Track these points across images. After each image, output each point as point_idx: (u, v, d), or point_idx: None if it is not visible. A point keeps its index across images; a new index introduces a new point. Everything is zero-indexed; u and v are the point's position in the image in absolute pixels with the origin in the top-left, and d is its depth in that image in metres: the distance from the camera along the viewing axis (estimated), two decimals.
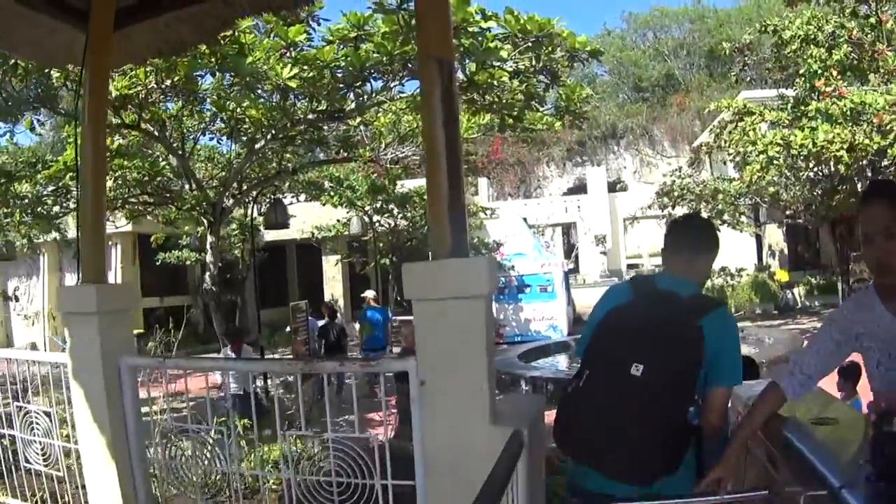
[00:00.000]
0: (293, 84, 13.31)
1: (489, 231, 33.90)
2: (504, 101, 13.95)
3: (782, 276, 35.79)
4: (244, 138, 18.44)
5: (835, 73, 21.26)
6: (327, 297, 34.66)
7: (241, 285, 31.33)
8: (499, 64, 12.89)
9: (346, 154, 20.54)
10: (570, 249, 51.00)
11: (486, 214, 33.18)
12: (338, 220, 31.06)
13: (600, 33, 78.23)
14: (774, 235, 37.32)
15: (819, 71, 22.27)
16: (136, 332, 20.88)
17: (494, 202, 44.76)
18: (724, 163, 30.47)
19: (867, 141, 20.29)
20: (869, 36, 22.64)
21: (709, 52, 71.94)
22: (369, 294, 22.52)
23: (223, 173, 21.02)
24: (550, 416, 4.23)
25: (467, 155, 20.03)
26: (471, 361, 4.13)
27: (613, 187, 56.70)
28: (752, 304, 34.16)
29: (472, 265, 4.26)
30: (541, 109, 15.50)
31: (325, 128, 19.12)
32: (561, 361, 23.54)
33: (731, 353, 3.98)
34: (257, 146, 17.95)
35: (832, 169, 24.21)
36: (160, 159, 20.50)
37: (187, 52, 10.64)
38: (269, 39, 13.95)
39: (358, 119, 18.09)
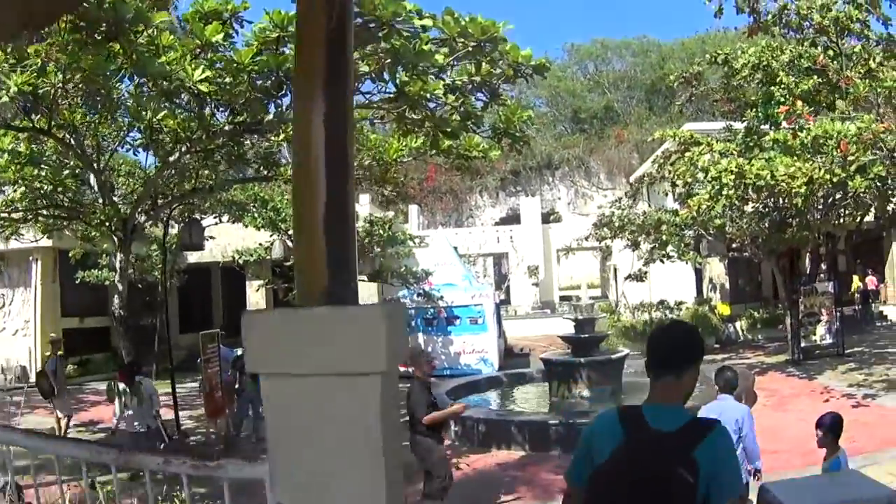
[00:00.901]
0: (204, 88, 11.77)
1: (418, 260, 32.63)
2: (438, 115, 12.54)
3: (724, 309, 35.07)
4: (161, 151, 16.95)
5: (799, 103, 20.23)
6: None
7: (161, 308, 29.79)
8: (433, 72, 11.54)
9: (266, 172, 18.97)
10: (501, 280, 50.05)
11: (414, 243, 31.86)
12: (260, 244, 29.56)
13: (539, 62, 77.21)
14: (716, 268, 36.53)
15: (782, 99, 21.34)
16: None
17: (425, 230, 43.56)
18: (666, 194, 29.45)
19: (827, 175, 19.36)
20: (835, 63, 21.81)
21: (650, 86, 72.10)
22: None
23: (142, 188, 19.41)
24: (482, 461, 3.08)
25: (396, 179, 18.63)
26: (357, 479, 2.61)
27: (547, 218, 56.16)
28: None
29: (363, 319, 2.55)
30: (477, 131, 14.08)
31: (248, 143, 17.63)
32: (492, 399, 22.33)
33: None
34: (172, 159, 16.45)
35: (783, 202, 23.32)
36: (75, 170, 18.95)
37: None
38: (185, 39, 12.42)
39: (282, 135, 16.61)
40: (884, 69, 17.86)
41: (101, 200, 18.30)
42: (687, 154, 24.40)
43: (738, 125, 25.96)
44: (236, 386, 18.88)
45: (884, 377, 21.66)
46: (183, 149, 15.86)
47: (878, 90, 17.38)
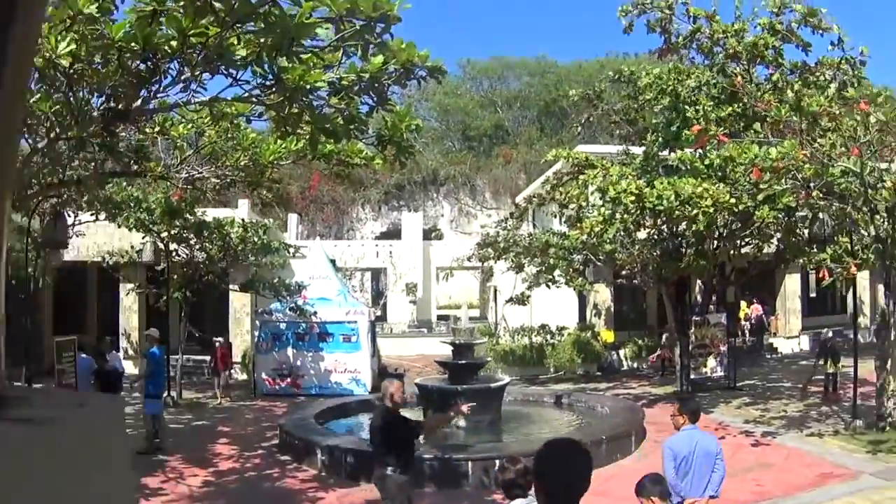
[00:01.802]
0: (65, 62, 10.22)
1: (295, 271, 31.45)
2: (319, 112, 11.16)
3: (607, 336, 34.39)
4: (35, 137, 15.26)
5: (714, 126, 19.34)
6: (122, 329, 32.37)
7: (35, 308, 28.00)
8: (320, 68, 10.16)
9: (136, 167, 17.26)
10: (379, 296, 48.84)
11: (289, 252, 30.43)
12: (132, 246, 27.78)
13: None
14: (602, 294, 35.61)
15: (694, 120, 20.48)
16: None
17: (304, 240, 42.03)
18: (554, 216, 28.55)
19: (733, 200, 18.55)
20: (750, 86, 21.06)
21: (544, 107, 71.91)
22: (153, 332, 19.86)
23: None
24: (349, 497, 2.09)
25: (273, 182, 17.13)
26: None
27: (429, 235, 55.24)
28: (574, 364, 32.50)
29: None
30: (360, 137, 12.71)
31: (123, 133, 15.97)
32: (363, 424, 20.96)
33: None
34: (42, 145, 14.76)
35: (680, 228, 22.61)
36: None
37: None
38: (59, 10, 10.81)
39: (157, 126, 15.04)
40: (805, 97, 17.03)
41: None
42: (581, 176, 23.96)
43: (637, 150, 25.38)
44: None
45: (782, 413, 21.12)
46: (53, 135, 14.30)
47: (801, 115, 16.50)
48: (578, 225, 23.22)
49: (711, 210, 18.61)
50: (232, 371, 26.05)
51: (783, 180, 16.38)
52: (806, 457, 15.58)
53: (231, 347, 27.84)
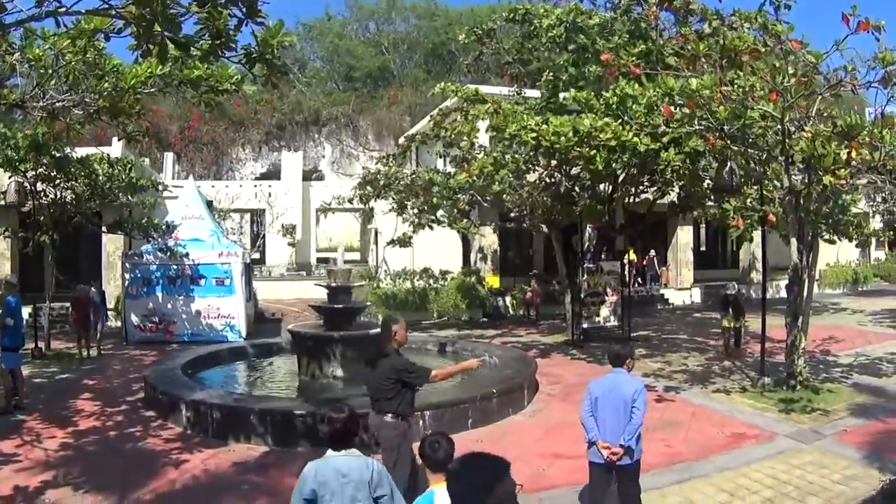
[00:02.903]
0: None
1: (170, 210, 30.15)
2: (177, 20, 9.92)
3: (493, 281, 33.86)
4: None
5: (625, 57, 18.44)
6: None
7: None
8: None
9: None
10: (257, 238, 47.51)
11: (158, 189, 28.80)
12: None
13: (321, 17, 76.18)
14: (487, 238, 35.13)
15: (607, 51, 19.68)
16: None
17: (181, 181, 40.38)
18: (439, 155, 27.51)
19: (636, 140, 17.73)
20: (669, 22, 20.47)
21: (431, 50, 71.39)
22: (10, 277, 18.90)
23: None
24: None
25: (138, 113, 15.66)
26: None
27: (309, 176, 54.19)
28: (459, 310, 31.87)
29: None
30: (227, 56, 11.49)
31: None
32: (235, 375, 19.82)
33: None
34: None
35: (575, 170, 21.89)
36: None
37: None
38: None
39: (15, 53, 13.61)
40: (724, 34, 16.31)
41: None
42: (471, 111, 23.00)
43: (532, 92, 24.83)
44: None
45: (682, 367, 20.49)
46: None
47: (722, 51, 15.67)
48: (466, 167, 22.37)
49: (613, 144, 17.76)
50: (99, 323, 24.27)
51: (695, 121, 15.55)
52: (714, 415, 14.81)
53: (100, 296, 25.90)
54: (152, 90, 14.54)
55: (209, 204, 33.32)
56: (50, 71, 13.73)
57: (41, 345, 23.48)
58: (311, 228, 48.93)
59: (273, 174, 55.50)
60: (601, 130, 17.65)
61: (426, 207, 26.66)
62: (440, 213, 26.38)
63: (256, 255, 44.07)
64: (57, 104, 14.42)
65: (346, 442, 6.45)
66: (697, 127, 15.73)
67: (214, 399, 14.45)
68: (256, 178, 56.41)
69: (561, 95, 22.49)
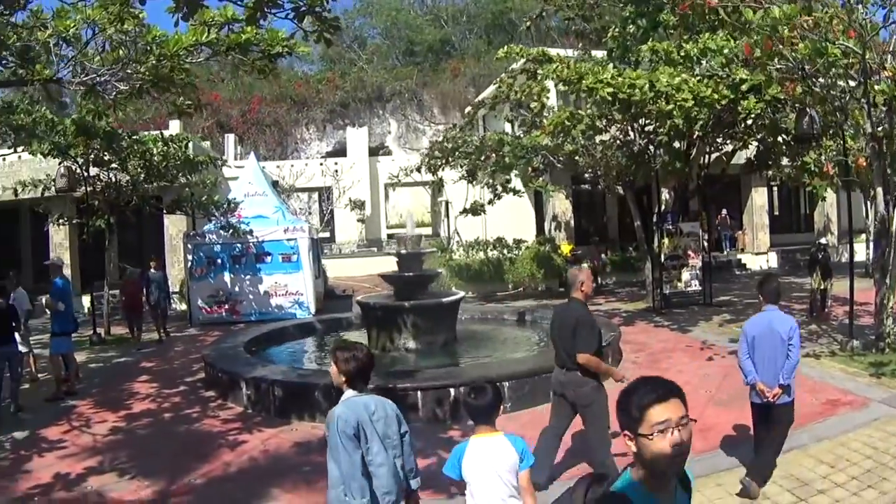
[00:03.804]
0: None
1: (232, 189, 29.29)
2: None
3: (567, 250, 32.40)
4: None
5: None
6: None
7: None
8: None
9: (23, 74, 14.52)
10: (329, 218, 46.82)
11: (216, 166, 27.86)
12: (47, 175, 25.43)
13: None
14: (560, 205, 34.11)
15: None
16: None
17: (242, 161, 39.72)
18: (508, 120, 26.59)
19: (715, 95, 16.65)
20: None
21: (491, 20, 70.47)
22: (55, 259, 18.23)
23: None
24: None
25: (183, 80, 14.59)
26: None
27: (376, 153, 53.34)
28: (535, 280, 30.71)
29: None
30: (275, 13, 10.48)
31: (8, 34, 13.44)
32: (302, 351, 18.87)
33: None
34: None
35: (649, 127, 20.74)
36: None
37: None
38: None
39: (48, 30, 12.65)
40: None
41: None
42: (539, 71, 21.92)
43: (597, 52, 24.19)
44: None
45: None
46: None
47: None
48: (541, 123, 21.36)
49: (690, 104, 16.65)
50: (162, 306, 23.56)
51: (775, 59, 14.31)
52: (807, 381, 13.57)
53: (162, 278, 25.09)
54: (199, 59, 13.48)
55: (274, 184, 32.52)
56: (84, 42, 12.77)
57: (100, 331, 22.93)
58: (380, 204, 48.31)
59: (339, 153, 54.73)
60: (678, 89, 16.59)
61: (498, 167, 25.59)
62: (514, 172, 25.33)
63: (326, 235, 44.00)
64: (97, 78, 13.41)
65: (367, 381, 6.12)
66: (777, 67, 14.55)
67: (276, 375, 13.54)
68: (323, 157, 55.64)
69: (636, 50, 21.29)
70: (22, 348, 16.03)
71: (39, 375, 17.23)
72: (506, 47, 23.73)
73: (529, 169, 25.71)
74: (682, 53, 17.11)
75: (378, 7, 77.61)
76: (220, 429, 12.06)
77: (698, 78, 17.21)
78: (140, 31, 12.75)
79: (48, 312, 16.63)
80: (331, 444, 5.78)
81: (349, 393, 5.96)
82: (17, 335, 15.19)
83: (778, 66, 14.64)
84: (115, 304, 25.47)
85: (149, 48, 12.92)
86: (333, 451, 5.74)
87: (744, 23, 14.31)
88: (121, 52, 12.78)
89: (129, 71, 13.32)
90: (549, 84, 22.47)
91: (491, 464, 5.72)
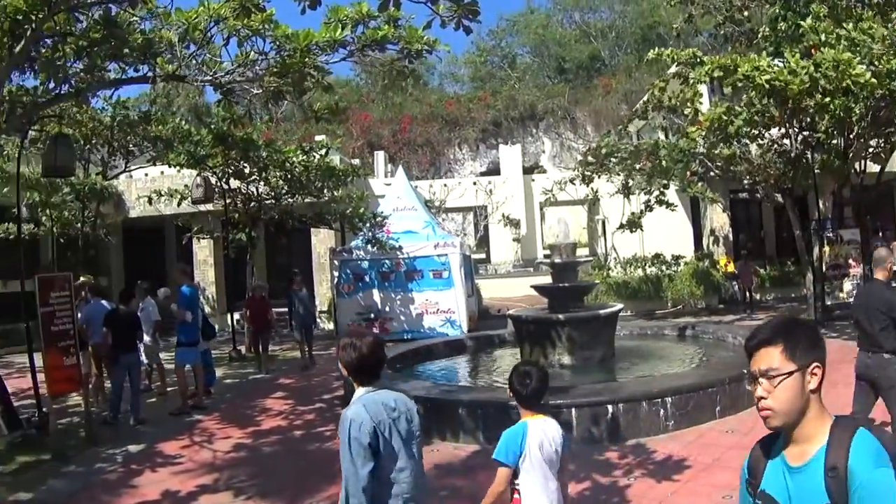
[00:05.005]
0: None
1: (383, 205, 28.60)
2: None
3: (728, 264, 31.14)
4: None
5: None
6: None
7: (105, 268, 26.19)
8: None
9: (147, 71, 13.93)
10: (484, 238, 46.21)
11: (358, 174, 27.96)
12: (185, 186, 25.20)
13: (523, 11, 75.20)
14: (718, 218, 32.77)
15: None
16: None
17: (390, 179, 39.39)
18: (661, 129, 25.62)
19: (873, 80, 15.33)
20: None
21: (640, 36, 69.96)
22: (182, 266, 18.41)
23: None
24: None
25: (320, 84, 13.80)
26: None
27: (530, 172, 52.33)
28: (695, 296, 29.50)
29: None
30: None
31: (132, 27, 12.98)
32: (451, 368, 17.95)
33: None
34: (19, 47, 12.06)
35: (808, 121, 19.49)
36: None
37: None
38: None
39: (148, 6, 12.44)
40: None
41: None
42: (692, 75, 20.92)
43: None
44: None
45: None
46: (29, 33, 11.58)
47: None
48: (698, 121, 20.23)
49: (863, 80, 15.25)
50: (311, 324, 23.08)
51: None
52: None
53: (309, 298, 24.50)
54: (335, 60, 12.63)
55: (427, 203, 31.88)
56: (208, 35, 12.12)
57: (240, 347, 22.79)
58: (535, 223, 47.32)
59: (493, 172, 54.04)
60: (849, 64, 15.25)
61: (655, 172, 24.67)
62: (673, 176, 24.19)
63: (482, 256, 43.60)
64: (224, 77, 12.72)
65: (378, 376, 5.51)
66: None
67: (418, 391, 12.50)
68: (476, 177, 55.23)
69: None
70: (144, 360, 16.15)
71: (168, 389, 16.82)
72: (656, 49, 22.67)
73: (688, 173, 24.73)
74: (844, 33, 15.92)
75: (525, 24, 77.30)
76: None
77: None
78: (267, 27, 12.15)
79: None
80: (342, 451, 5.13)
81: (361, 391, 5.37)
82: (140, 345, 15.19)
83: None
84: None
85: (278, 43, 12.21)
86: (342, 460, 5.11)
87: None
88: (243, 42, 12.16)
89: (257, 69, 12.72)
90: (703, 89, 22.05)
91: (554, 444, 5.64)
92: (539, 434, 5.57)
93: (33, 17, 11.56)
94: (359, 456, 4.98)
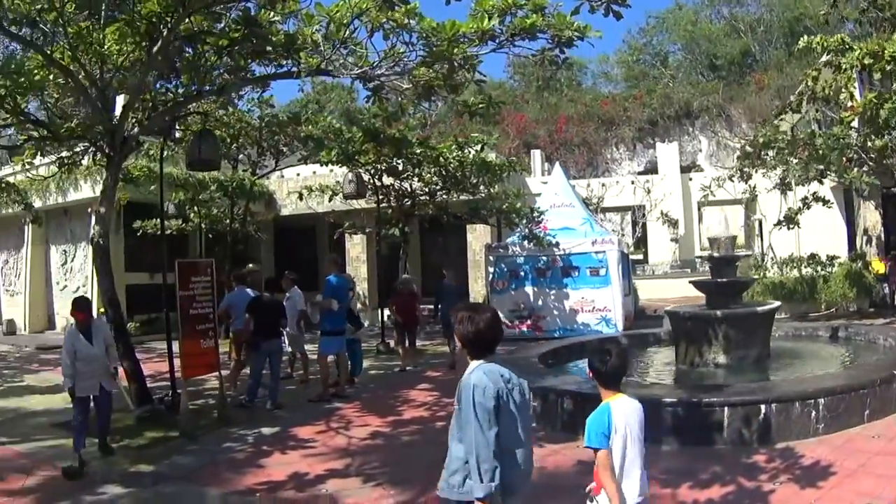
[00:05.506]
0: None
1: (540, 201, 28.50)
2: None
3: (879, 266, 30.07)
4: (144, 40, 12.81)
5: None
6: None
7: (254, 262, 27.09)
8: None
9: (290, 66, 13.97)
10: (643, 238, 45.70)
11: (515, 168, 27.61)
12: (337, 182, 25.58)
13: (671, 7, 74.37)
14: (870, 217, 31.76)
15: None
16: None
17: (546, 177, 39.23)
18: (817, 120, 26.55)
19: None
20: None
21: (788, 29, 68.38)
22: (332, 256, 18.56)
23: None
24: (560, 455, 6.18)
25: (471, 75, 13.71)
26: None
27: (688, 170, 51.65)
28: (847, 298, 28.44)
29: None
30: None
31: (271, 24, 13.11)
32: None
33: None
34: (156, 49, 12.25)
35: None
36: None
37: None
38: None
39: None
40: None
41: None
42: (843, 62, 20.49)
43: None
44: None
45: None
46: (166, 30, 11.79)
47: None
48: (851, 106, 20.20)
49: None
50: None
51: None
52: None
53: (459, 292, 24.42)
54: (483, 52, 12.45)
55: (585, 203, 31.68)
56: (351, 28, 12.10)
57: (389, 341, 22.94)
58: (692, 223, 46.86)
59: (650, 171, 53.67)
60: None
61: (812, 160, 24.23)
62: (832, 166, 23.59)
63: (639, 256, 43.51)
64: (372, 71, 12.72)
65: (493, 351, 5.52)
66: None
67: (568, 385, 12.34)
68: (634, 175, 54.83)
69: None
70: (287, 349, 16.84)
71: (310, 377, 17.07)
72: (806, 37, 22.50)
73: (844, 159, 24.09)
74: None
75: (674, 21, 76.87)
76: None
77: None
78: (412, 20, 12.12)
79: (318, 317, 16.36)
80: (462, 420, 5.20)
81: (475, 363, 5.40)
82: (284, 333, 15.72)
83: None
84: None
85: (424, 34, 12.09)
86: (464, 427, 5.15)
87: None
88: (388, 35, 12.20)
89: (405, 61, 12.70)
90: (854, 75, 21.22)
91: (638, 422, 5.67)
92: (623, 414, 5.57)
93: (168, 19, 11.77)
94: (485, 420, 5.00)
